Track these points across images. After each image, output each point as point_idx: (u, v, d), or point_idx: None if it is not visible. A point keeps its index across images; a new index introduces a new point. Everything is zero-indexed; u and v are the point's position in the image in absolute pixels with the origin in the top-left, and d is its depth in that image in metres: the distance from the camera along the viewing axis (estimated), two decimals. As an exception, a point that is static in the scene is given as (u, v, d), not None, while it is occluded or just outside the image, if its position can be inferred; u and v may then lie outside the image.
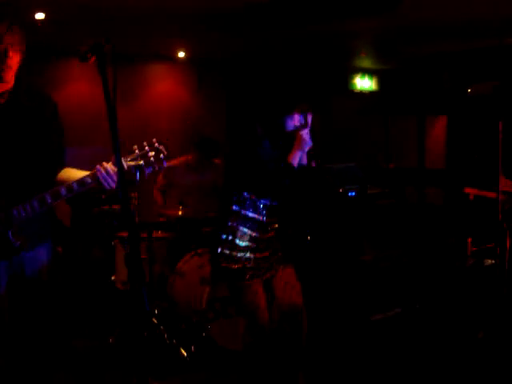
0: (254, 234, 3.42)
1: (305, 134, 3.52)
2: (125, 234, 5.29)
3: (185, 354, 4.52)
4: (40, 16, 5.70)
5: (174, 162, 5.88)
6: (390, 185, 5.54)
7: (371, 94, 10.46)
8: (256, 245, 3.43)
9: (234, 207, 3.42)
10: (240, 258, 3.38)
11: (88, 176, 2.77)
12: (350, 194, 5.46)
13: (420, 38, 7.70)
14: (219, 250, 3.37)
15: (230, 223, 3.40)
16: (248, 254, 3.40)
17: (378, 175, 5.52)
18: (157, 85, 8.65)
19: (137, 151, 2.77)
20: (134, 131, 6.94)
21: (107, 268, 5.63)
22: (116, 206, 6.13)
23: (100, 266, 6.00)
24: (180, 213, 5.24)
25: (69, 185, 2.77)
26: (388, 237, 5.39)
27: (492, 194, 5.23)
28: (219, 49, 8.06)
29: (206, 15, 6.09)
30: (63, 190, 2.76)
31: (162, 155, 2.77)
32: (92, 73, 6.98)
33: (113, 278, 5.40)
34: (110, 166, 2.75)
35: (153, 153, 2.76)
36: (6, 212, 2.73)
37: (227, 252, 3.37)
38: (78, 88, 7.81)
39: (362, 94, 10.34)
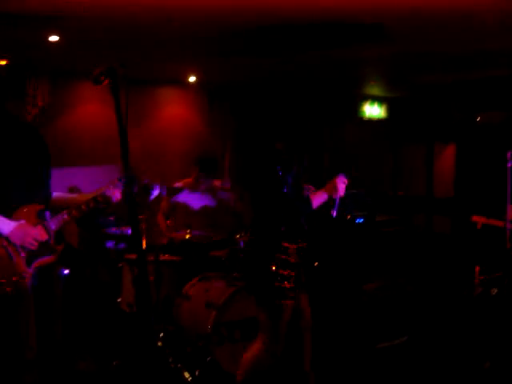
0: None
1: (340, 181, 3.53)
2: (132, 257, 5.30)
3: (189, 378, 4.49)
4: (54, 38, 5.78)
5: (178, 184, 5.91)
6: (398, 212, 5.53)
7: (380, 121, 10.50)
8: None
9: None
10: (289, 277, 3.43)
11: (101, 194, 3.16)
12: (357, 220, 5.46)
13: (430, 66, 7.75)
14: (273, 268, 3.42)
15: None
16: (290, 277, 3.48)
17: (386, 202, 5.53)
18: (167, 108, 8.72)
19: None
20: (144, 152, 7.01)
21: (114, 290, 5.62)
22: (124, 228, 6.16)
23: (106, 288, 6.00)
24: (187, 236, 5.25)
25: (86, 202, 3.12)
26: (395, 264, 5.37)
27: (500, 223, 5.22)
28: (230, 75, 8.13)
29: (218, 41, 6.15)
30: (84, 206, 3.10)
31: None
32: (103, 95, 7.10)
33: (119, 300, 5.40)
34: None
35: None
36: (42, 224, 2.98)
37: (279, 271, 3.42)
38: (90, 110, 7.88)
39: (372, 122, 10.38)
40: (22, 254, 2.92)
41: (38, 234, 2.96)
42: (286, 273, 3.43)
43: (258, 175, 3.52)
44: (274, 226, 3.46)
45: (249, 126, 3.41)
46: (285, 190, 3.43)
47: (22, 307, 2.91)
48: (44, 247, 3.00)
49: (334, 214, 3.70)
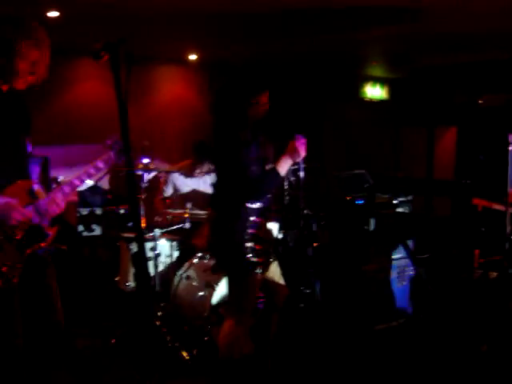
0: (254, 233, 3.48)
1: (299, 143, 3.48)
2: (131, 235, 5.29)
3: (187, 357, 4.50)
4: (54, 14, 5.72)
5: (176, 167, 5.90)
6: (398, 194, 5.51)
7: (381, 102, 10.45)
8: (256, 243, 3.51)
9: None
10: (259, 252, 3.44)
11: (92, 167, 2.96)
12: (357, 201, 5.44)
13: (432, 48, 7.70)
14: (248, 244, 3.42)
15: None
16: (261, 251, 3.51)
17: (387, 184, 5.51)
18: (167, 87, 8.66)
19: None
20: (143, 131, 6.97)
21: (112, 268, 5.62)
22: (122, 207, 6.15)
23: (104, 267, 6.00)
24: (186, 215, 5.23)
25: (79, 176, 2.90)
26: (394, 246, 5.36)
27: (501, 206, 5.21)
28: (230, 54, 8.07)
29: (218, 19, 6.10)
30: (76, 181, 2.88)
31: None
32: (102, 72, 7.04)
33: (117, 278, 5.40)
34: None
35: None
36: (33, 204, 2.76)
37: (250, 245, 3.42)
38: (89, 87, 7.82)
39: (373, 103, 10.33)
40: (14, 242, 2.70)
41: (28, 214, 2.73)
42: (255, 247, 3.44)
43: (226, 150, 3.49)
44: (238, 200, 3.46)
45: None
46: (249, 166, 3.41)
47: (13, 298, 2.74)
48: (36, 231, 2.79)
49: (302, 175, 3.72)
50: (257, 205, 3.48)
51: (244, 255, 3.42)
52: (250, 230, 3.43)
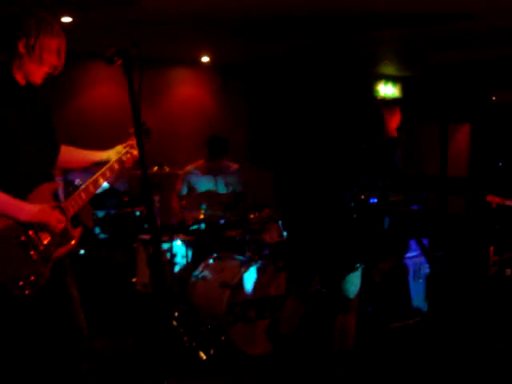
0: None
1: None
2: (147, 237, 5.33)
3: (204, 357, 4.53)
4: (67, 20, 5.77)
5: (191, 166, 5.92)
6: (412, 192, 5.51)
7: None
8: None
9: None
10: None
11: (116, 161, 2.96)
12: (371, 200, 5.44)
13: (445, 45, 7.68)
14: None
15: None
16: None
17: (400, 182, 5.50)
18: (180, 89, 8.70)
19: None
20: (157, 133, 7.00)
21: (128, 270, 5.66)
22: (138, 209, 6.19)
23: (121, 268, 6.04)
24: (201, 216, 5.27)
25: (103, 173, 2.89)
26: (408, 244, 5.36)
27: (515, 203, 5.19)
28: (243, 55, 8.09)
29: (231, 21, 6.13)
30: (100, 178, 2.88)
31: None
32: (116, 76, 7.08)
33: (134, 280, 5.44)
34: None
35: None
36: (59, 207, 2.68)
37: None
38: (103, 90, 7.88)
39: (385, 101, 10.29)
40: (41, 248, 2.60)
41: (62, 217, 2.67)
42: None
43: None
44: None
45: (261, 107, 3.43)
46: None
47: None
48: (62, 235, 2.70)
49: None
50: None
51: None
52: None
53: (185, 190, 5.90)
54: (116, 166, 2.97)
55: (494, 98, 9.64)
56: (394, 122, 3.74)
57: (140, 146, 2.37)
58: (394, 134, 3.75)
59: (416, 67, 9.45)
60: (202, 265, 5.07)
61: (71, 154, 3.07)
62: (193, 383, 4.23)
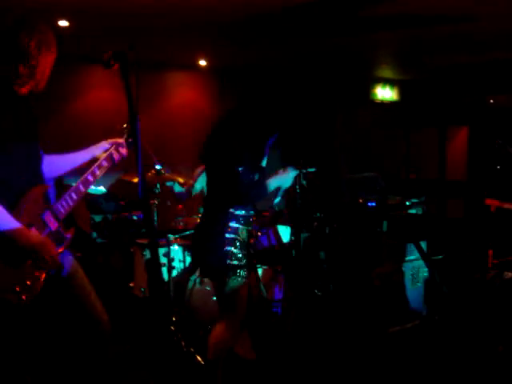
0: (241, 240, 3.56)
1: (290, 171, 3.63)
2: (144, 241, 5.31)
3: (202, 361, 4.51)
4: (63, 24, 5.76)
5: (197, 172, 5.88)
6: (411, 196, 5.50)
7: (392, 104, 10.44)
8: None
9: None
10: (240, 257, 3.49)
11: (104, 159, 2.99)
12: (369, 204, 5.43)
13: (442, 49, 7.68)
14: (227, 248, 3.46)
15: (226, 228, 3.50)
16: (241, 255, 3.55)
17: (399, 186, 5.49)
18: (178, 92, 8.69)
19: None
20: (155, 135, 6.99)
21: (126, 274, 5.64)
22: (135, 213, 6.16)
23: (119, 273, 6.02)
24: (199, 220, 5.24)
25: (92, 171, 2.93)
26: (407, 247, 5.35)
27: (513, 206, 5.18)
28: (240, 59, 8.09)
29: (226, 25, 6.12)
30: (90, 177, 2.91)
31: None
32: (114, 79, 7.07)
33: (131, 284, 5.41)
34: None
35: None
36: (51, 209, 2.71)
37: (233, 250, 3.48)
38: (100, 94, 7.87)
39: (383, 104, 10.31)
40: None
41: (55, 251, 2.68)
42: (233, 251, 3.49)
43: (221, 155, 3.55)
44: (224, 207, 3.51)
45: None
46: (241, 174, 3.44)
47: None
48: (55, 238, 2.73)
49: (275, 201, 3.83)
50: (240, 212, 3.54)
51: (222, 259, 3.47)
52: (228, 235, 3.49)
53: (199, 187, 5.85)
54: (105, 164, 3.01)
55: (491, 101, 9.64)
56: None
57: (137, 149, 2.35)
58: None
59: (414, 70, 9.46)
60: (200, 269, 5.05)
61: (56, 163, 3.08)
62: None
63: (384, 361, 4.50)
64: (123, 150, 3.07)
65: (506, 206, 5.30)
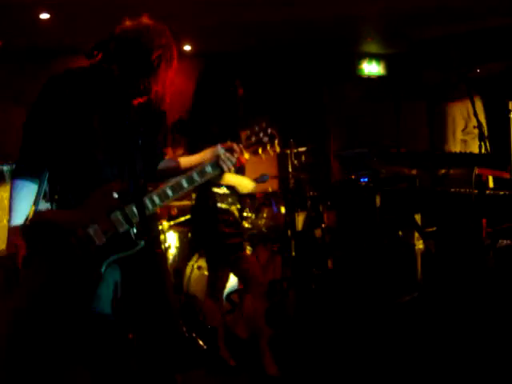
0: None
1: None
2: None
3: (204, 346, 4.53)
4: (45, 16, 5.72)
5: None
6: (403, 169, 5.51)
7: (379, 78, 10.40)
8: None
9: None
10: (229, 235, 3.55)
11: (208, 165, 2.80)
12: (362, 179, 5.45)
13: (427, 20, 7.65)
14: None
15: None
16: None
17: (390, 160, 5.49)
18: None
19: (253, 138, 2.78)
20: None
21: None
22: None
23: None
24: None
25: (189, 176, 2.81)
26: (402, 221, 5.38)
27: (506, 175, 5.17)
28: (224, 42, 8.05)
29: (209, 7, 6.10)
30: (184, 182, 2.81)
31: (275, 140, 2.72)
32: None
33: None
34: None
35: (266, 138, 2.73)
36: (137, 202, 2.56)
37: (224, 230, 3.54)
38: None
39: (370, 80, 10.28)
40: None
41: None
42: (225, 230, 3.54)
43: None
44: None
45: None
46: None
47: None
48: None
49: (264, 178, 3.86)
50: (222, 189, 3.56)
51: (215, 238, 3.52)
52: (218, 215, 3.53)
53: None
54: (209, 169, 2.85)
55: (478, 71, 9.62)
56: None
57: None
58: None
59: (399, 44, 9.42)
60: (197, 254, 5.07)
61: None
62: (199, 372, 4.24)
63: (390, 329, 4.53)
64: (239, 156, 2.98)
65: (497, 173, 5.31)
